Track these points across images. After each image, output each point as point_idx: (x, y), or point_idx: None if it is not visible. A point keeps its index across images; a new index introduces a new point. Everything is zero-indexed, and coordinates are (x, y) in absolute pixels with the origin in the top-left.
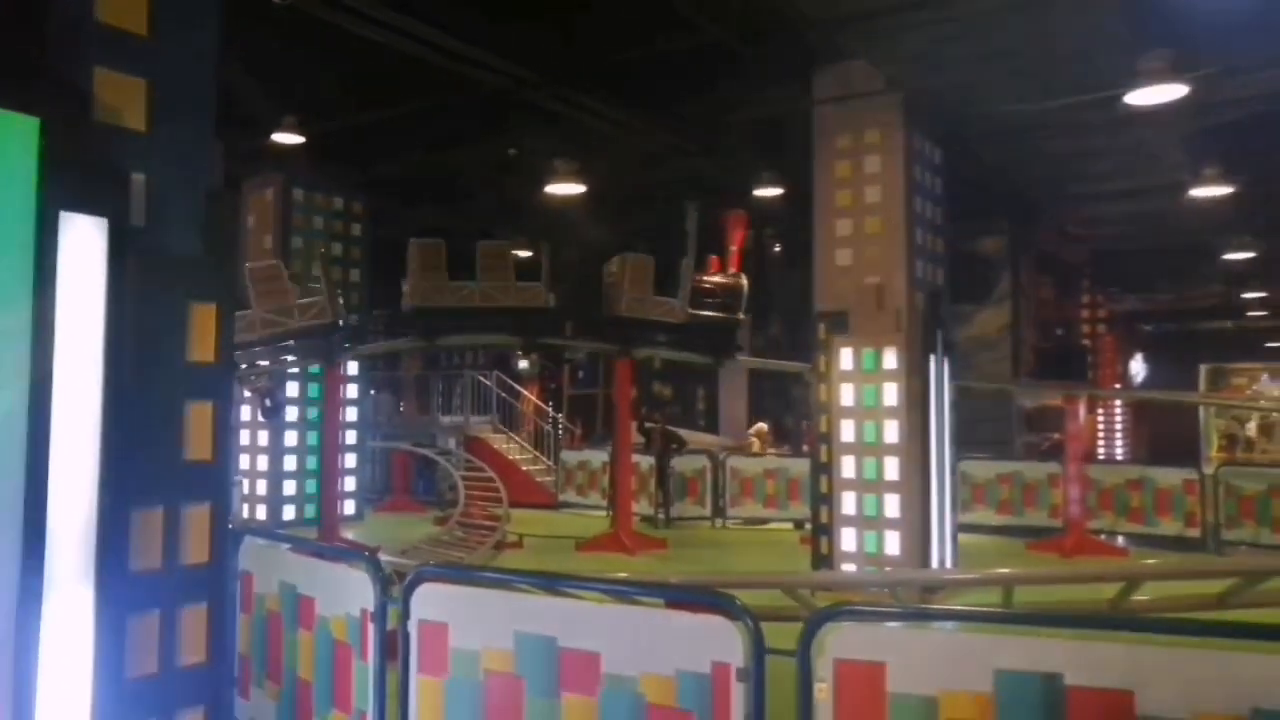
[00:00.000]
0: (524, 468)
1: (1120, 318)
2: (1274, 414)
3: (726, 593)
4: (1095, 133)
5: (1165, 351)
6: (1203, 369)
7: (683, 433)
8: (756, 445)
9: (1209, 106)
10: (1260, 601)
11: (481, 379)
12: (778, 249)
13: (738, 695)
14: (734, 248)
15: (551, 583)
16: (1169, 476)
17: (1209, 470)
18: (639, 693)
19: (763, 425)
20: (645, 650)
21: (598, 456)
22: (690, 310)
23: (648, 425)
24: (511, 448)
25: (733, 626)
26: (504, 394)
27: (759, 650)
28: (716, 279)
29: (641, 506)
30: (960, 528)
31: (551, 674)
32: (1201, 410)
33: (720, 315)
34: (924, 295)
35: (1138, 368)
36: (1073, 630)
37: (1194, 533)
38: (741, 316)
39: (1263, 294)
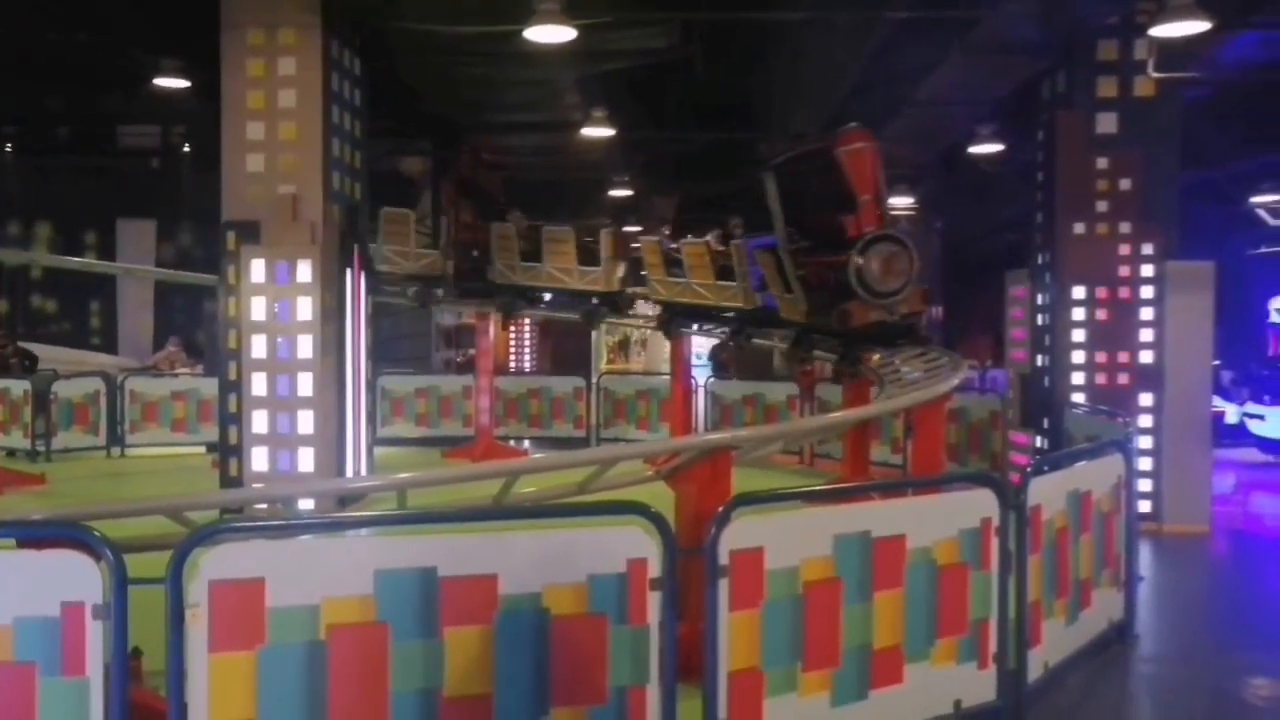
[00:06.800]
0: None
1: None
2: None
3: (84, 525)
4: (506, 63)
5: None
6: None
7: (72, 353)
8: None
9: (600, 54)
10: (613, 484)
11: None
12: (187, 149)
13: (94, 634)
14: (866, 195)
15: None
16: (563, 385)
17: (595, 379)
18: None
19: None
20: None
21: None
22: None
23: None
24: None
25: (89, 561)
26: None
27: (120, 583)
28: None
29: (14, 439)
30: (380, 441)
31: None
32: None
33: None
34: (341, 209)
35: None
36: (447, 525)
37: (581, 433)
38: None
39: (639, 229)
